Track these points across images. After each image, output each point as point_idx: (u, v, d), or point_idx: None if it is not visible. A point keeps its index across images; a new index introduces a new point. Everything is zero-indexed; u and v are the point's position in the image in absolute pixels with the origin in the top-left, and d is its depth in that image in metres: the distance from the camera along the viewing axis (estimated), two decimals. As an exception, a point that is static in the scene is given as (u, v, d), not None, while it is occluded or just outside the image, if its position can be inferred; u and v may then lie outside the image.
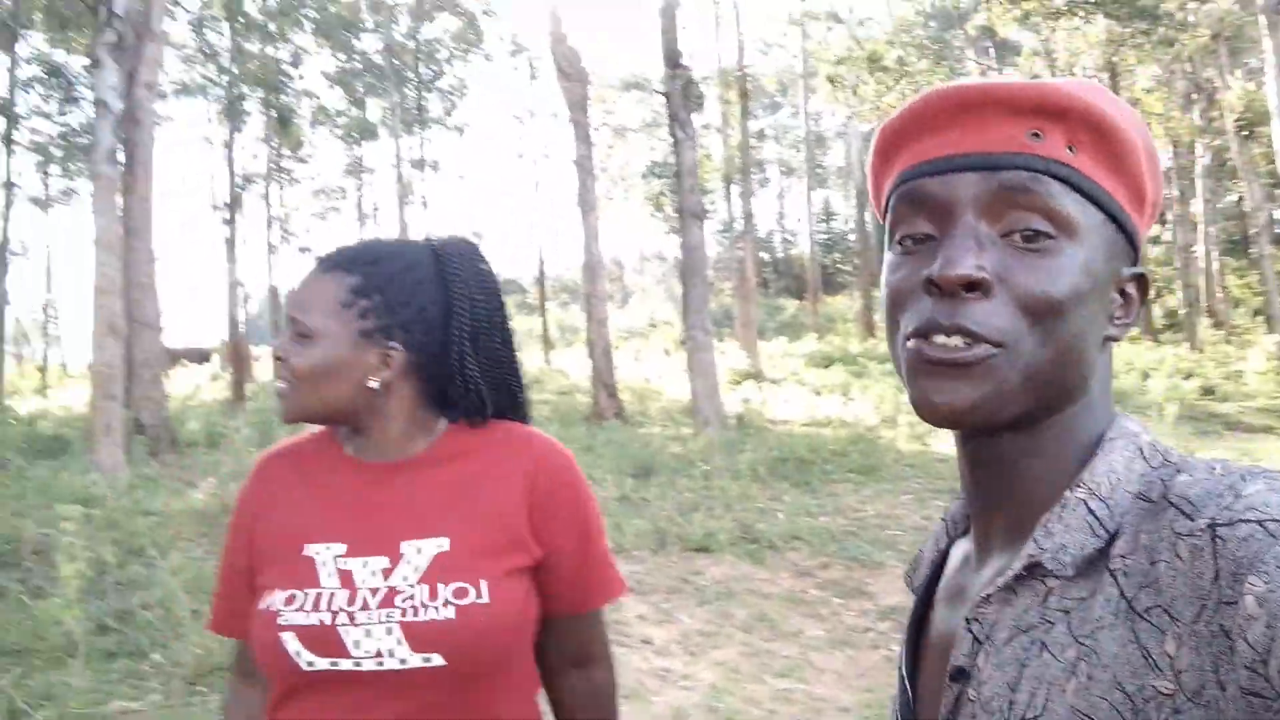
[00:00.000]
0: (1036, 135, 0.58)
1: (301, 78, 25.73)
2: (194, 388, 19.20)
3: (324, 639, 1.04)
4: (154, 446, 9.90)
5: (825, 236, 43.55)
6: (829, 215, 45.66)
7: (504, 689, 1.11)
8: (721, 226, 33.36)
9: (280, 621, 1.06)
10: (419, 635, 1.03)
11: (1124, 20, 15.26)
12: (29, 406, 15.48)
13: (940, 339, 0.57)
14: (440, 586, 1.05)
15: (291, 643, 1.05)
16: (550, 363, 24.51)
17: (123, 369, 8.67)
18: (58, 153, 23.44)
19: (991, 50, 22.43)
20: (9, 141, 17.69)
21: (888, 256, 0.64)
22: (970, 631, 0.59)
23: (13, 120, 16.80)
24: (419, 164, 28.64)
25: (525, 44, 29.83)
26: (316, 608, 1.06)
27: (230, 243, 21.53)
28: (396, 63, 25.45)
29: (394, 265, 1.15)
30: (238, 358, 15.95)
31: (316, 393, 1.12)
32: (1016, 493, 0.61)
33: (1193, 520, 0.49)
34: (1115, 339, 0.61)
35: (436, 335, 1.15)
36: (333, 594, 1.07)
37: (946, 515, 0.74)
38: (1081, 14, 15.24)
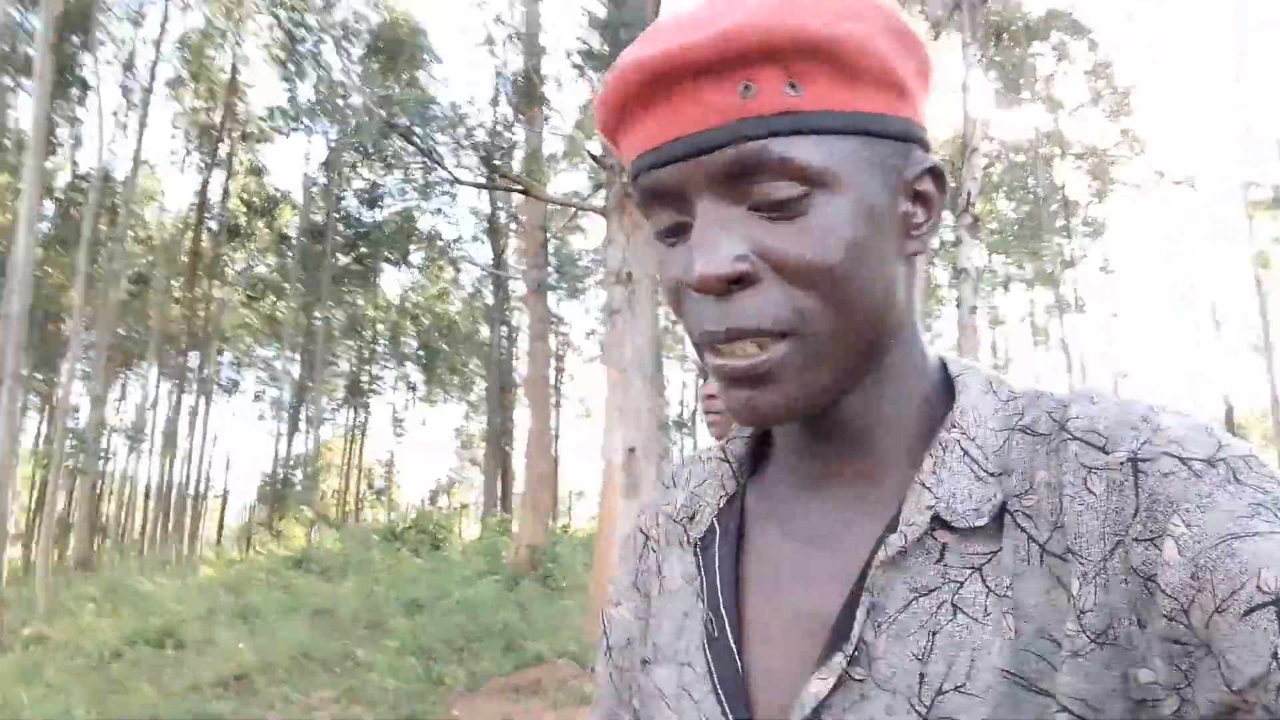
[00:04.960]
0: (748, 88, 0.48)
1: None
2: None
3: None
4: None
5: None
6: None
7: None
8: None
9: None
10: None
11: None
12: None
13: (725, 349, 0.51)
14: None
15: None
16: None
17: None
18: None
19: None
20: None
21: (656, 245, 0.56)
22: (863, 603, 0.50)
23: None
24: (1058, 306, 27.58)
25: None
26: None
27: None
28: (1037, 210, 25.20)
29: None
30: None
31: None
32: (864, 441, 0.55)
33: (1108, 453, 0.46)
34: (919, 252, 0.53)
35: None
36: None
37: (729, 455, 0.63)
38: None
